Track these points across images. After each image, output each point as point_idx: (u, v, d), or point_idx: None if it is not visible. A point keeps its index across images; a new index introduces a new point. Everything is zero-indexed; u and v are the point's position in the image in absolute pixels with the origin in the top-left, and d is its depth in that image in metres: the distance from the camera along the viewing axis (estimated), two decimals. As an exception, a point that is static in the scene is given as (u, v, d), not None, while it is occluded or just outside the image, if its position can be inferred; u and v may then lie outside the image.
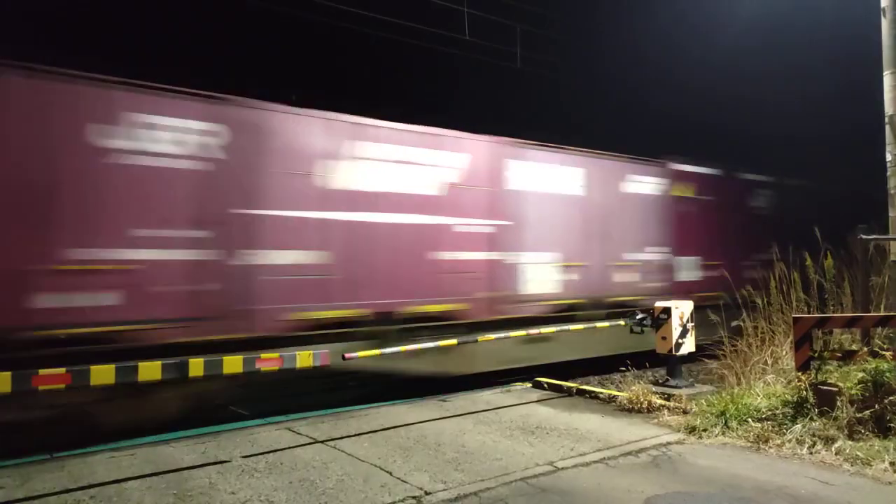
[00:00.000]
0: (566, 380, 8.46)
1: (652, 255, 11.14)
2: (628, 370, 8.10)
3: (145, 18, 11.50)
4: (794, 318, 6.46)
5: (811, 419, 5.78)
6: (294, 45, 13.10)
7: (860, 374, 5.82)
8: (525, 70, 12.98)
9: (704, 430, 6.07)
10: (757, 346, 7.51)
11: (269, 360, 6.72)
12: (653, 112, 15.55)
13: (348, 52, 13.47)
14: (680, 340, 7.76)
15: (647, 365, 8.68)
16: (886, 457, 5.12)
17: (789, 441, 5.63)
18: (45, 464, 5.48)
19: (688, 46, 15.26)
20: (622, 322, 8.55)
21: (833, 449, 5.38)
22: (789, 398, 6.16)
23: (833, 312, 7.25)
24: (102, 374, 5.85)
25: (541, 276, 9.70)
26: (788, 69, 15.18)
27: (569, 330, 8.83)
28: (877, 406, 5.59)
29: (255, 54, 12.34)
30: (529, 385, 8.60)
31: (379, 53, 12.97)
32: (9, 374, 5.44)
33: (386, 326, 8.05)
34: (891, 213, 7.46)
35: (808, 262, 7.57)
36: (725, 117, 15.35)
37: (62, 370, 5.68)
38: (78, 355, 6.00)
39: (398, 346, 7.47)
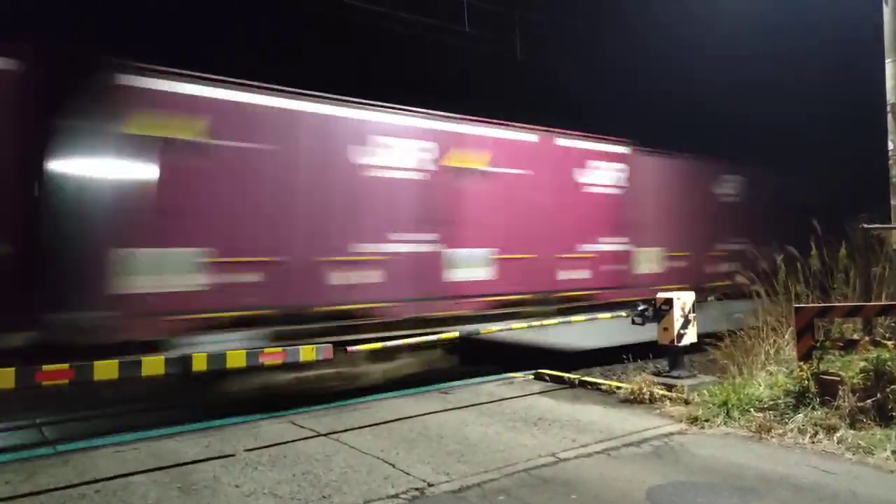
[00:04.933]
0: (568, 371, 8.46)
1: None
2: (630, 361, 8.10)
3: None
4: (796, 307, 6.45)
5: (813, 408, 5.79)
6: (290, 37, 13.00)
7: (862, 364, 5.82)
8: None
9: (706, 421, 6.08)
10: (760, 337, 7.50)
11: (272, 355, 6.75)
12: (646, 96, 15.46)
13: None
14: (682, 331, 7.76)
15: (651, 356, 8.69)
16: (888, 445, 5.13)
17: (791, 430, 5.64)
18: (50, 458, 5.51)
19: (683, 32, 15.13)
20: (623, 314, 8.55)
21: (835, 438, 5.39)
22: (791, 388, 6.16)
23: (835, 302, 7.24)
24: (106, 369, 5.87)
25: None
26: (787, 54, 15.06)
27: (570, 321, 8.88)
28: (879, 395, 5.60)
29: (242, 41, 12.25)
30: (531, 376, 8.61)
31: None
32: (12, 370, 5.46)
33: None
34: (893, 202, 7.45)
35: (814, 252, 7.55)
36: (720, 103, 15.25)
37: (66, 366, 5.70)
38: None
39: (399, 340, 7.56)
